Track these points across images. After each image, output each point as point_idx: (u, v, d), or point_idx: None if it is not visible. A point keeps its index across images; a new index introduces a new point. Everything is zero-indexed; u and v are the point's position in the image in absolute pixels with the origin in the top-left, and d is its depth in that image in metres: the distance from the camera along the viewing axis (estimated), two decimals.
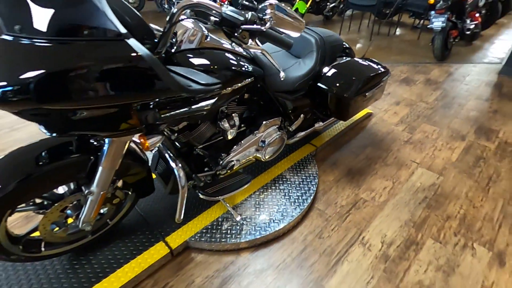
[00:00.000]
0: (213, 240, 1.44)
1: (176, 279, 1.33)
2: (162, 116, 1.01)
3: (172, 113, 1.04)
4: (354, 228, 1.58)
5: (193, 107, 1.09)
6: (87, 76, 0.72)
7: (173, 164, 1.23)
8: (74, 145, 1.06)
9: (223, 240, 1.44)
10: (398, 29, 5.47)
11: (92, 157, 1.07)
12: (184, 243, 1.43)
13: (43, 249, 1.23)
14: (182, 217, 1.34)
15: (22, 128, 2.26)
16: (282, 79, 1.27)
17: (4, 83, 0.67)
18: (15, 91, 0.67)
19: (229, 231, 1.48)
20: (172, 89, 0.87)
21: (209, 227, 1.50)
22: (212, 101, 1.14)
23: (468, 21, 3.97)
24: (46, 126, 0.81)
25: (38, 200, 1.15)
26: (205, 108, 1.13)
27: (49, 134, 0.82)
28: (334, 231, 1.57)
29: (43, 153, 1.00)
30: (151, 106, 0.96)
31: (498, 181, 1.93)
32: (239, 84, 1.22)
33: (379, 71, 1.82)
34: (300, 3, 4.94)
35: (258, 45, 1.07)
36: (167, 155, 1.27)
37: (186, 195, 1.29)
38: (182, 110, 1.07)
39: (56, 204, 1.11)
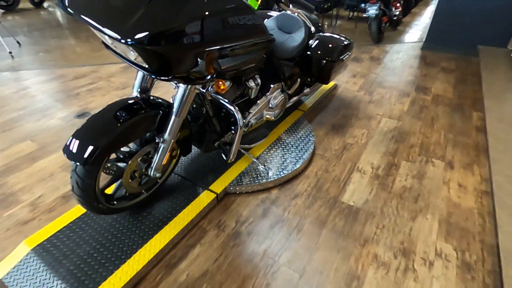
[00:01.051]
0: (246, 183, 1.74)
1: (226, 216, 1.61)
2: (231, 64, 1.34)
3: (237, 62, 1.36)
4: (349, 162, 2.03)
5: (250, 57, 1.43)
6: (216, 21, 1.02)
7: (231, 107, 1.47)
8: (142, 103, 1.28)
9: (255, 182, 1.75)
10: (338, 21, 6.26)
11: (160, 111, 1.31)
12: (224, 190, 1.71)
13: (115, 202, 1.41)
14: (234, 157, 1.63)
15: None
16: (313, 31, 1.69)
17: (160, 29, 0.91)
18: (165, 35, 0.92)
19: (258, 176, 1.80)
20: (264, 33, 1.22)
21: (240, 175, 1.80)
22: (261, 53, 1.49)
23: (393, 9, 4.83)
24: (157, 71, 1.06)
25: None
26: (257, 59, 1.47)
27: (154, 77, 1.07)
28: (336, 166, 1.99)
29: (124, 111, 1.21)
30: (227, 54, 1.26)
31: (437, 119, 2.57)
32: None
33: (349, 42, 2.30)
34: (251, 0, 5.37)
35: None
36: (223, 101, 1.47)
37: (241, 135, 1.59)
38: (244, 59, 1.39)
39: (136, 155, 1.32)
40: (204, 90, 1.38)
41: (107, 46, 1.21)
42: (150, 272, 1.33)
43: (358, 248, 1.46)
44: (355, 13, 6.05)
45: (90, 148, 1.10)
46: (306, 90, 2.39)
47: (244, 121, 1.78)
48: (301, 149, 2.04)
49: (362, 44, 4.66)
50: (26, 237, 1.49)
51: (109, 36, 0.93)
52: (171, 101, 1.37)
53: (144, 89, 1.38)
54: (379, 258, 1.41)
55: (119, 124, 1.16)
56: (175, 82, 1.26)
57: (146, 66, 1.07)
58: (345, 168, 1.98)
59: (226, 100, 1.48)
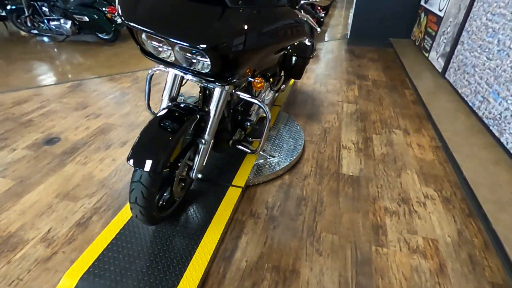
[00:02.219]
0: (262, 174, 1.90)
1: (255, 206, 1.75)
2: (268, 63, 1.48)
3: (273, 60, 1.52)
4: (334, 142, 2.37)
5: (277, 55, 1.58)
6: (275, 26, 1.16)
7: (259, 103, 1.54)
8: (182, 111, 1.34)
9: (268, 172, 1.92)
10: None
11: (198, 115, 1.38)
12: (246, 184, 1.84)
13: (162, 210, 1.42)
14: (262, 149, 1.76)
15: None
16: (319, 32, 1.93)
17: (226, 39, 1.02)
18: (233, 44, 1.03)
19: (269, 166, 1.97)
20: (306, 33, 1.38)
21: (254, 168, 1.94)
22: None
23: (318, 12, 5.50)
24: (214, 75, 1.15)
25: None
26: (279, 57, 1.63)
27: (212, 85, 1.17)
28: (325, 147, 2.30)
29: (172, 120, 1.25)
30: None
31: (383, 99, 3.14)
32: None
33: (314, 41, 2.65)
34: None
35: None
36: (250, 99, 1.53)
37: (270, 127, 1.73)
38: (277, 57, 1.55)
39: (183, 159, 1.35)
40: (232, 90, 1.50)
41: (151, 55, 1.24)
42: (211, 268, 1.39)
43: (371, 205, 1.77)
44: None
45: (157, 156, 1.13)
46: (283, 86, 2.65)
47: (255, 117, 1.93)
48: (295, 138, 2.29)
49: None
50: (57, 272, 1.36)
51: (181, 45, 1.00)
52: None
53: (173, 98, 1.43)
54: (388, 209, 1.75)
55: (174, 133, 1.20)
56: (216, 84, 1.35)
57: (206, 71, 1.15)
58: (333, 147, 2.31)
59: (255, 97, 1.61)
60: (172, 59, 1.19)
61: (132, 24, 1.04)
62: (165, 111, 1.30)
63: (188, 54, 1.14)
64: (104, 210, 1.70)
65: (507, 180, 1.73)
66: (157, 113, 1.29)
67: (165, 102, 1.43)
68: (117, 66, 3.93)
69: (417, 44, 4.42)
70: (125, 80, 3.47)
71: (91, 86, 3.29)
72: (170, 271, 1.30)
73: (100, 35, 4.94)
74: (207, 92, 1.52)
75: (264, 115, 2.13)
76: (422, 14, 4.31)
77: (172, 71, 1.39)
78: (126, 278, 1.27)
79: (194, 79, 1.35)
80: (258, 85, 1.45)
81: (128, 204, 1.66)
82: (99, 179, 1.93)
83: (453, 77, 2.96)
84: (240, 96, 1.52)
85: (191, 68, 1.18)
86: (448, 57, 3.08)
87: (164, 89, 1.43)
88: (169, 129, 1.21)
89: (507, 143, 1.91)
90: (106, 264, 1.32)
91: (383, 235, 1.58)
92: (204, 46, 0.99)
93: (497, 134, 2.04)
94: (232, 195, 1.73)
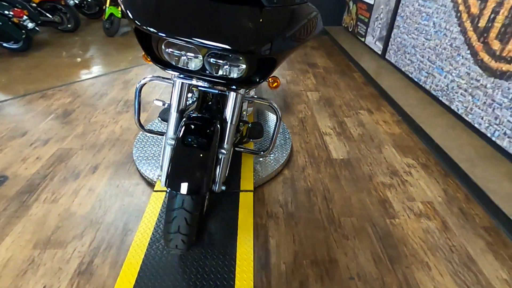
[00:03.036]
0: (264, 174, 1.88)
1: (269, 206, 1.72)
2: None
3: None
4: (314, 131, 2.47)
5: None
6: (302, 27, 1.10)
7: (271, 103, 1.47)
8: (201, 123, 1.22)
9: (270, 170, 1.91)
10: None
11: (218, 125, 1.27)
12: (254, 186, 1.79)
13: None
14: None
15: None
16: None
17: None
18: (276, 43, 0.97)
19: (268, 165, 1.95)
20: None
21: (255, 169, 1.90)
22: None
23: None
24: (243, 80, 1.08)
25: None
26: None
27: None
28: (309, 137, 2.38)
29: (199, 135, 1.13)
30: None
31: (339, 83, 3.38)
32: None
33: None
34: (112, 8, 4.87)
35: None
36: (261, 99, 1.46)
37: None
38: None
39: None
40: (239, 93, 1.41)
41: (166, 64, 1.09)
42: (254, 280, 1.33)
43: (370, 183, 1.92)
44: None
45: (200, 177, 1.01)
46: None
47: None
48: (281, 132, 2.31)
49: None
50: None
51: (220, 50, 0.91)
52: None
53: (182, 110, 1.29)
54: (385, 183, 1.92)
55: (207, 149, 1.09)
56: (232, 89, 1.26)
57: (236, 76, 1.07)
58: (316, 135, 2.40)
59: (265, 99, 1.54)
60: (198, 66, 1.07)
61: (161, 33, 0.90)
62: (186, 127, 1.17)
63: (220, 61, 1.04)
64: (106, 248, 1.46)
65: (467, 141, 2.07)
66: (179, 131, 1.16)
67: (174, 116, 1.28)
68: (43, 80, 3.32)
69: (350, 30, 4.85)
70: (62, 95, 2.97)
71: (18, 108, 2.73)
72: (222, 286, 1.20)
73: (5, 45, 4.09)
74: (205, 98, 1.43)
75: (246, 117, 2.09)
76: (351, 3, 4.73)
77: (179, 81, 1.25)
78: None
79: (206, 85, 1.25)
80: (274, 84, 1.41)
81: (136, 235, 1.46)
82: (81, 215, 1.64)
83: (394, 58, 3.36)
84: (253, 98, 1.45)
85: (218, 75, 1.08)
86: (386, 41, 3.48)
87: (170, 101, 1.28)
88: (201, 146, 1.09)
89: (458, 109, 2.28)
90: None
91: (390, 207, 1.74)
92: (252, 49, 0.92)
93: (447, 103, 2.41)
94: (246, 201, 1.66)
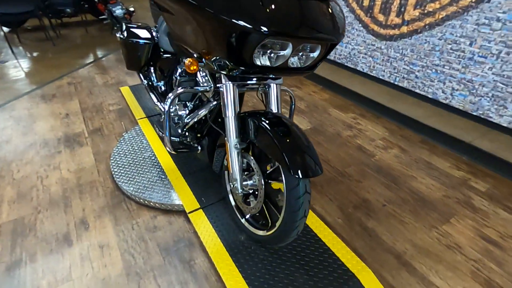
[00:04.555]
0: None
1: None
2: None
3: None
4: None
5: None
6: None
7: (286, 88, 1.55)
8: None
9: None
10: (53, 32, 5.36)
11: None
12: None
13: None
14: None
15: None
16: None
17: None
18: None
19: None
20: None
21: None
22: None
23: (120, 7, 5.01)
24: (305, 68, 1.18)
25: None
26: None
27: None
28: None
29: (281, 125, 1.18)
30: None
31: None
32: None
33: None
34: None
35: None
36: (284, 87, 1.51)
37: None
38: None
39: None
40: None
41: (251, 66, 1.08)
42: None
43: (341, 138, 2.37)
44: (59, 20, 5.34)
45: (315, 159, 1.09)
46: None
47: None
48: None
49: None
50: None
51: (321, 41, 1.01)
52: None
53: (239, 112, 1.29)
54: (350, 135, 2.41)
55: (300, 131, 1.17)
56: (275, 82, 1.33)
57: (305, 65, 1.16)
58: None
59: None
60: (281, 62, 1.10)
61: (284, 33, 0.92)
62: (266, 122, 1.19)
63: (311, 53, 1.11)
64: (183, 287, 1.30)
65: (379, 89, 2.82)
66: (255, 131, 1.18)
67: (232, 120, 1.26)
68: None
69: None
70: None
71: None
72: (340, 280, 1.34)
73: None
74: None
75: None
76: None
77: (229, 84, 1.23)
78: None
79: (254, 83, 1.30)
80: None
81: (214, 258, 1.36)
82: (118, 274, 1.35)
83: None
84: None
85: (295, 66, 1.15)
86: None
87: (227, 106, 1.25)
88: (296, 131, 1.16)
89: (363, 69, 3.02)
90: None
91: (366, 150, 2.24)
92: (341, 38, 1.06)
93: (353, 66, 3.13)
94: None
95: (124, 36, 2.09)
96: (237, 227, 1.51)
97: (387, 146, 2.29)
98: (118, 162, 1.93)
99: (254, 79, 1.31)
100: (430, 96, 2.49)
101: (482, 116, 2.19)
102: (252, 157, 1.29)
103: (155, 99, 2.11)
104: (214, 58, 1.14)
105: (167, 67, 2.02)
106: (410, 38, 2.48)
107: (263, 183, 1.24)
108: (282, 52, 1.08)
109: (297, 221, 1.14)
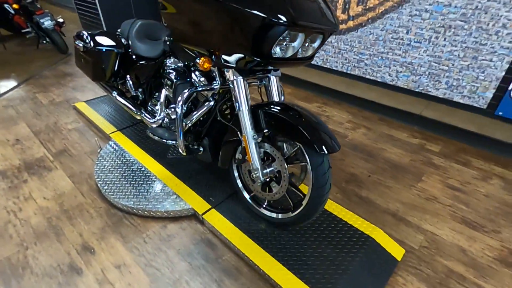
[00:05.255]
0: None
1: None
2: None
3: None
4: None
5: None
6: None
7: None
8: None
9: None
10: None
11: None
12: None
13: None
14: None
15: None
16: None
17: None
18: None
19: None
20: None
21: None
22: None
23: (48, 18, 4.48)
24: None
25: None
26: None
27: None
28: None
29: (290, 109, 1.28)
30: None
31: None
32: None
33: None
34: None
35: None
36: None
37: None
38: None
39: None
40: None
41: (267, 57, 1.14)
42: None
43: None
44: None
45: (330, 135, 1.21)
46: None
47: None
48: None
49: (57, 59, 4.17)
50: None
51: (324, 31, 1.14)
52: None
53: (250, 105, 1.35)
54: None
55: (309, 112, 1.28)
56: (275, 74, 1.42)
57: (307, 55, 1.27)
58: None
59: None
60: (291, 53, 1.18)
61: (304, 25, 1.02)
62: (280, 110, 1.27)
63: (313, 44, 1.22)
64: None
65: (335, 79, 3.13)
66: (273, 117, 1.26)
67: (246, 113, 1.31)
68: None
69: None
70: None
71: None
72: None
73: None
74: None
75: None
76: None
77: (240, 79, 1.29)
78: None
79: (260, 75, 1.38)
80: None
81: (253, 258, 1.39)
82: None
83: None
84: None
85: (300, 56, 1.25)
86: None
87: (240, 100, 1.29)
88: (309, 114, 1.26)
89: (317, 63, 3.30)
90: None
91: (338, 133, 2.48)
92: (338, 28, 1.20)
93: None
94: None
95: (89, 45, 1.94)
96: (255, 218, 1.56)
97: (355, 127, 2.57)
98: (106, 180, 1.79)
99: (258, 73, 1.38)
100: (379, 80, 2.87)
101: (423, 92, 2.63)
102: (269, 145, 1.36)
103: (133, 108, 2.01)
104: (229, 53, 1.18)
105: (144, 73, 1.94)
106: (356, 31, 2.82)
107: (286, 166, 1.32)
108: (293, 44, 1.19)
109: (324, 195, 1.25)
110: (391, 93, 2.80)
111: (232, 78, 1.30)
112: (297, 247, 1.41)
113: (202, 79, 1.50)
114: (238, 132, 1.39)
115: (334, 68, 3.16)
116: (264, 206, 1.53)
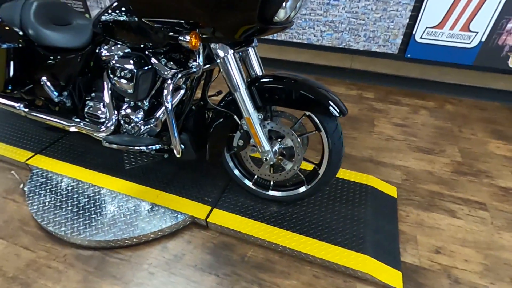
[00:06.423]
0: None
1: None
2: None
3: None
4: None
5: None
6: None
7: None
8: None
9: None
10: None
11: None
12: None
13: None
14: None
15: None
16: None
17: None
18: None
19: None
20: None
21: None
22: None
23: None
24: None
25: None
26: None
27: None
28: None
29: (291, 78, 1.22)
30: None
31: None
32: None
33: None
34: None
35: None
36: None
37: None
38: None
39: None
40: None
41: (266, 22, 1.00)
42: None
43: None
44: None
45: (336, 96, 1.17)
46: None
47: None
48: None
49: None
50: None
51: None
52: None
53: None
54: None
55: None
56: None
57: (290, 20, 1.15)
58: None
59: None
60: (285, 17, 1.04)
61: None
62: (277, 82, 1.20)
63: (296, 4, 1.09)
64: None
65: (264, 48, 3.08)
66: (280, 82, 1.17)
67: (244, 91, 1.16)
68: None
69: None
70: None
71: None
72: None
73: None
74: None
75: None
76: None
77: (231, 53, 1.11)
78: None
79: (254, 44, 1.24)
80: None
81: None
82: None
83: None
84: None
85: (288, 19, 1.12)
86: None
87: (234, 78, 1.12)
88: (308, 80, 1.20)
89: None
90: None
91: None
92: None
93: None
94: None
95: None
96: (262, 203, 1.46)
97: (347, 98, 2.64)
98: (59, 220, 1.36)
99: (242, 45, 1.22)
100: (306, 42, 2.97)
101: (346, 47, 2.87)
102: (273, 122, 1.25)
103: (61, 121, 1.53)
104: (224, 22, 0.99)
105: (66, 71, 1.47)
106: None
107: (299, 140, 1.24)
108: (285, 4, 1.07)
109: (341, 158, 1.25)
110: (320, 53, 2.95)
111: (222, 54, 1.11)
112: (316, 216, 1.40)
113: (171, 62, 1.24)
114: (236, 117, 1.23)
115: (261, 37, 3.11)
116: (271, 188, 1.44)
